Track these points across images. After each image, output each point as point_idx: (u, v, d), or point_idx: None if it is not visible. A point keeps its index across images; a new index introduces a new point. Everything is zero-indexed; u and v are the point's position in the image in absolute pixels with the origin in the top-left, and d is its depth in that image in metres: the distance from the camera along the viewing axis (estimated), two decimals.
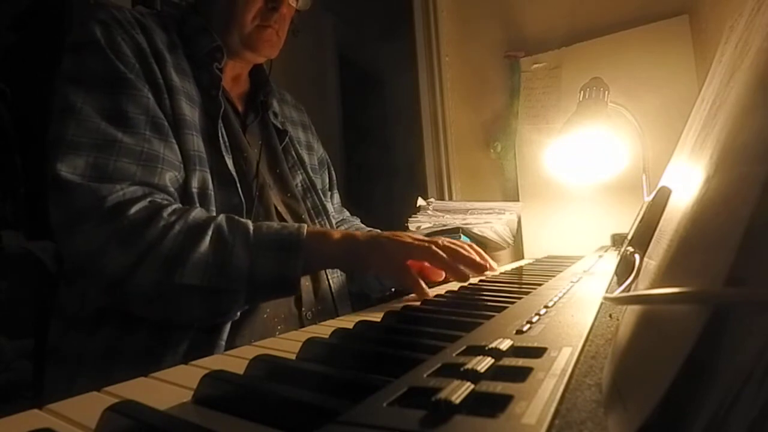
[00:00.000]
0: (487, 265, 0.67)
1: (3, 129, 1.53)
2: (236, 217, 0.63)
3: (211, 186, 0.70)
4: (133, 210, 0.59)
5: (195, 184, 0.68)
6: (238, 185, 0.72)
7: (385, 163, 1.80)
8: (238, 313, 0.64)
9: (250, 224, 0.63)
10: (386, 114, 1.91)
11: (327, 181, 1.05)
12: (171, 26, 0.76)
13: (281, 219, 0.80)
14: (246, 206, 0.72)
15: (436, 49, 1.71)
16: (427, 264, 0.65)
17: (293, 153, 0.91)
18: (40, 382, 0.75)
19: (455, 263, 0.62)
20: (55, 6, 1.47)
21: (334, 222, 0.93)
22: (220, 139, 0.73)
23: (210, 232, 0.61)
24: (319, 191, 0.91)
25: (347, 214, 1.10)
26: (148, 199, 0.62)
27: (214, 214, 0.68)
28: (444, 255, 0.61)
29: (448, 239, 0.67)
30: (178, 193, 0.67)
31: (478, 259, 0.65)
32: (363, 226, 1.11)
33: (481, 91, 1.66)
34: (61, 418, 0.23)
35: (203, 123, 0.73)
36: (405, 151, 1.83)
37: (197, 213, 0.63)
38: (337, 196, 1.08)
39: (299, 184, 0.89)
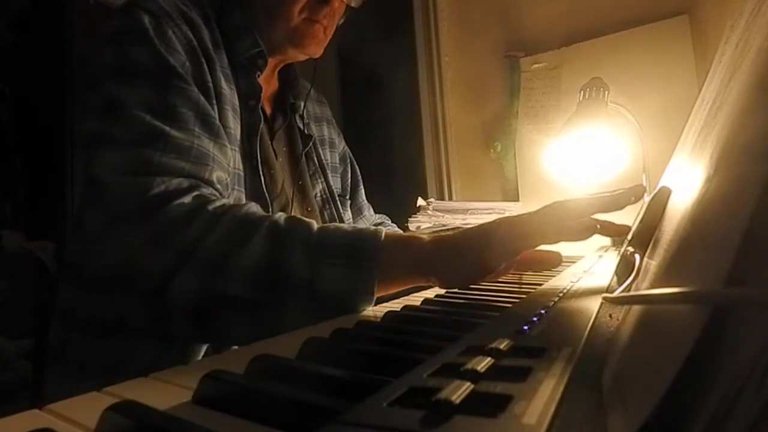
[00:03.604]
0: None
1: (3, 129, 1.53)
2: (298, 216, 0.54)
3: None
4: (175, 203, 0.51)
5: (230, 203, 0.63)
6: (271, 207, 0.68)
7: (385, 163, 1.80)
8: None
9: (314, 223, 0.52)
10: (386, 114, 1.91)
11: (349, 178, 1.00)
12: (211, 16, 0.69)
13: None
14: None
15: (436, 49, 1.71)
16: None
17: (315, 159, 0.86)
18: (40, 382, 0.74)
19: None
20: (55, 6, 1.47)
21: None
22: (258, 156, 0.69)
23: (262, 231, 0.50)
24: (338, 201, 0.88)
25: (371, 211, 1.06)
26: (194, 193, 0.53)
27: None
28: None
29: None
30: None
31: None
32: (394, 226, 1.08)
33: (481, 91, 1.66)
34: (61, 418, 0.23)
35: (241, 136, 0.68)
36: (405, 151, 1.82)
37: (250, 207, 0.54)
38: (363, 194, 1.03)
39: (318, 194, 0.85)
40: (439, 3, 1.72)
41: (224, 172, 0.60)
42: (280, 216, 0.53)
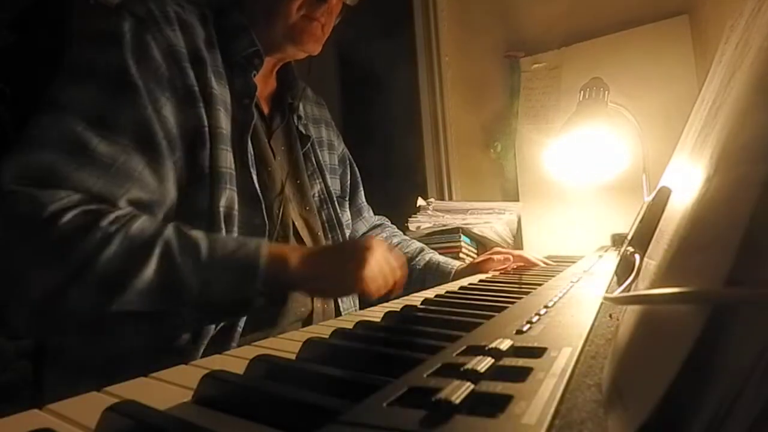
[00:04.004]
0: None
1: (3, 129, 1.53)
2: (186, 231, 0.56)
3: (236, 206, 0.65)
4: (67, 217, 0.51)
5: (223, 203, 0.63)
6: (263, 205, 0.68)
7: (385, 163, 1.80)
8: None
9: (203, 240, 0.56)
10: (386, 114, 1.91)
11: (348, 180, 1.01)
12: (209, 19, 0.71)
13: (297, 235, 0.77)
14: (268, 226, 0.68)
15: (436, 49, 1.71)
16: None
17: (313, 159, 0.87)
18: (40, 382, 0.74)
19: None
20: (55, 6, 1.47)
21: (347, 234, 0.90)
22: (249, 153, 0.69)
23: (156, 251, 0.53)
24: (336, 201, 0.88)
25: (370, 213, 1.07)
26: (86, 207, 0.53)
27: (235, 236, 0.64)
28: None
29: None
30: (204, 213, 0.62)
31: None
32: (393, 227, 1.09)
33: (481, 91, 1.66)
34: (61, 418, 0.23)
35: (234, 135, 0.68)
36: (405, 151, 1.82)
37: (142, 223, 0.55)
38: (362, 196, 1.05)
39: (316, 194, 0.86)
40: (439, 3, 1.72)
41: (149, 192, 0.59)
42: (170, 232, 0.55)
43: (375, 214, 1.10)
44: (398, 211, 1.32)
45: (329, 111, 1.04)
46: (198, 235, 0.56)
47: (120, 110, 0.58)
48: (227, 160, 0.65)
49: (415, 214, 1.37)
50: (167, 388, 0.28)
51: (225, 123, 0.67)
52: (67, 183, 0.53)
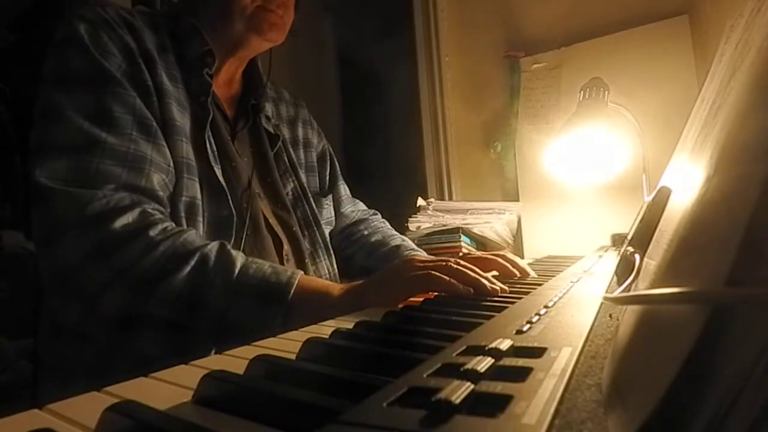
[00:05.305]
0: (496, 289, 0.54)
1: (3, 129, 1.53)
2: (229, 248, 0.59)
3: (199, 196, 0.67)
4: (119, 222, 0.55)
5: (183, 192, 0.65)
6: (229, 196, 0.70)
7: (385, 163, 1.80)
8: None
9: (239, 261, 0.58)
10: (386, 114, 1.91)
11: (327, 174, 1.01)
12: (162, 26, 0.73)
13: (271, 231, 0.78)
14: (236, 218, 0.70)
15: (436, 49, 1.71)
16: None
17: (285, 159, 0.88)
18: (40, 382, 0.74)
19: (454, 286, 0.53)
20: (55, 6, 1.47)
21: (326, 231, 0.90)
22: (208, 148, 0.71)
23: (193, 261, 0.56)
24: (311, 199, 0.88)
25: (362, 205, 1.06)
26: (138, 210, 0.58)
27: (202, 225, 0.66)
28: (444, 280, 0.54)
29: (461, 261, 0.57)
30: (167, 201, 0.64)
31: (486, 283, 0.54)
32: (385, 224, 1.05)
33: (481, 91, 1.66)
34: (61, 418, 0.23)
35: (192, 130, 0.70)
36: (405, 151, 1.82)
37: (190, 236, 0.59)
38: (344, 188, 1.04)
39: (290, 193, 0.86)
40: (440, 2, 1.71)
41: (163, 173, 0.64)
42: (212, 249, 0.58)
43: (370, 209, 1.08)
44: (398, 211, 1.32)
45: (330, 110, 1.04)
46: (237, 255, 0.58)
47: (112, 104, 0.61)
48: (183, 150, 0.67)
49: (415, 214, 1.37)
50: (167, 388, 0.28)
51: (179, 116, 0.69)
52: (97, 178, 0.57)
